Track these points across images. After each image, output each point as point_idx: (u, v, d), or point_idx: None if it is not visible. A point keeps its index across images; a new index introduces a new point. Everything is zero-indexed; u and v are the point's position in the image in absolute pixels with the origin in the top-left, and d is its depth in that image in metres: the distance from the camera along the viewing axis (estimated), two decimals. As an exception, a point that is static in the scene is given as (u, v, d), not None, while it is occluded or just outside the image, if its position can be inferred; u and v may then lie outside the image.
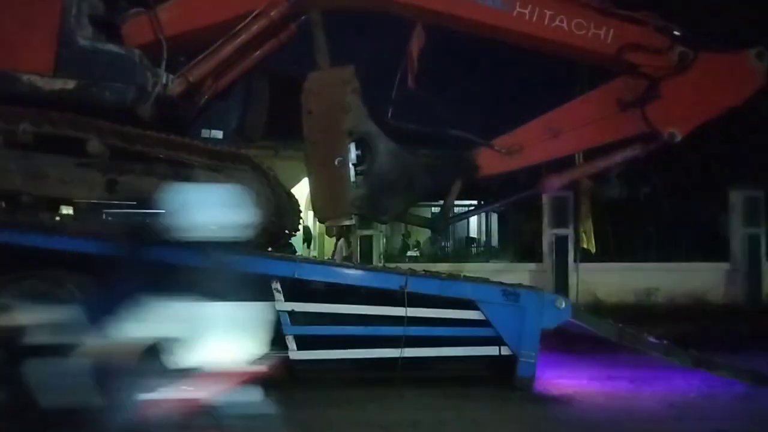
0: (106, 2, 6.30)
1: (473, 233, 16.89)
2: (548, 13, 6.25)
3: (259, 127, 7.44)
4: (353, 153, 6.24)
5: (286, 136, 7.35)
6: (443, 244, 15.21)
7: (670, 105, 6.28)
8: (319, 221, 6.69)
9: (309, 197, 7.07)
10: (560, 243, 12.52)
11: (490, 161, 6.63)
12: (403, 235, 16.26)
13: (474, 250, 16.04)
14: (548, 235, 12.70)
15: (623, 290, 12.15)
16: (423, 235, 15.47)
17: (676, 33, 6.30)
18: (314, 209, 6.39)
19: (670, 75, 6.25)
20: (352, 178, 6.24)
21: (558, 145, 6.57)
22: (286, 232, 6.78)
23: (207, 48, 6.23)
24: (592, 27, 6.26)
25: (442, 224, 7.35)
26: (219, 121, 6.86)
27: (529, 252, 13.77)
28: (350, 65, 6.27)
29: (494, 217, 16.08)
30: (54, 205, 6.24)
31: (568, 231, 12.61)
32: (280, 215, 6.23)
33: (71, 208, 6.22)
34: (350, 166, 6.21)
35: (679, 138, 6.34)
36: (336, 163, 6.12)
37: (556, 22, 6.25)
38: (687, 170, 13.50)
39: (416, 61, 6.61)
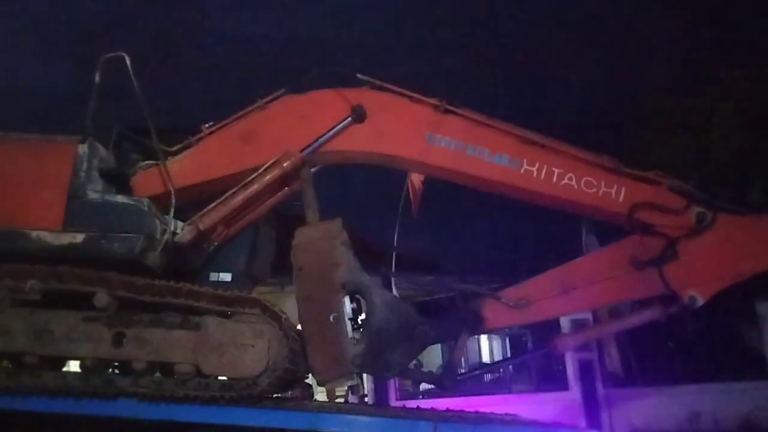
0: (117, 156, 6.71)
1: (486, 357, 16.76)
2: (557, 171, 6.54)
3: (266, 267, 7.69)
4: (348, 307, 6.31)
5: (290, 271, 7.58)
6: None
7: (689, 267, 6.40)
8: (319, 384, 6.68)
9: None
10: (585, 368, 12.34)
11: (497, 314, 6.74)
12: (415, 365, 15.95)
13: (488, 377, 15.84)
14: (572, 359, 12.41)
15: (662, 417, 11.81)
16: (434, 363, 15.36)
17: (692, 193, 6.52)
18: (312, 371, 6.35)
19: (688, 236, 6.40)
20: (350, 334, 6.25)
21: (569, 302, 6.68)
22: (300, 375, 6.85)
23: (217, 196, 6.52)
24: (603, 185, 6.52)
25: (451, 382, 7.10)
26: (227, 264, 7.05)
27: (546, 378, 13.61)
28: (338, 218, 6.44)
29: (507, 341, 15.99)
30: (59, 364, 6.33)
31: (593, 355, 12.41)
32: (293, 359, 6.29)
33: (77, 365, 6.29)
34: (346, 321, 6.23)
35: (701, 302, 6.42)
36: (331, 319, 6.14)
37: (565, 180, 6.53)
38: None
39: (419, 192, 7.00)
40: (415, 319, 6.53)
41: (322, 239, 6.33)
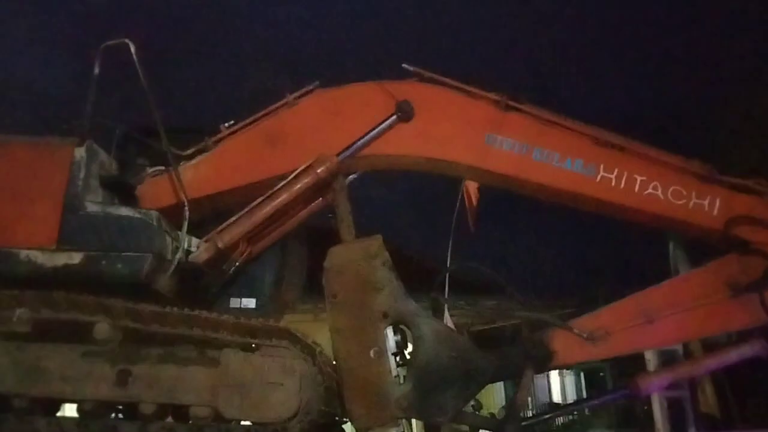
0: (120, 161, 6.54)
1: (556, 396, 16.45)
2: (639, 178, 6.36)
3: (296, 291, 7.53)
4: (391, 340, 6.07)
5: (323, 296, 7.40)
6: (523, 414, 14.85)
7: None
8: (358, 431, 6.37)
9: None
10: (675, 408, 11.65)
11: (569, 348, 6.49)
12: (473, 406, 15.81)
13: (560, 420, 15.52)
14: (659, 398, 11.84)
15: (763, 467, 11.43)
16: (494, 401, 15.02)
17: None
18: (350, 416, 6.11)
19: None
20: (394, 372, 6.02)
21: (653, 333, 6.41)
22: (337, 419, 6.60)
23: (239, 208, 6.32)
24: (694, 196, 6.33)
25: (515, 427, 6.73)
26: (251, 287, 6.92)
27: (628, 419, 13.18)
28: (377, 235, 6.21)
29: (581, 377, 15.75)
30: (53, 407, 6.16)
31: (684, 392, 11.51)
32: (329, 400, 6.05)
33: (75, 409, 6.10)
34: (389, 356, 6.00)
35: None
36: (372, 355, 5.93)
37: (649, 190, 6.36)
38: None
39: (476, 200, 6.71)
40: (471, 352, 6.29)
41: (359, 260, 6.13)
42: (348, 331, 6.03)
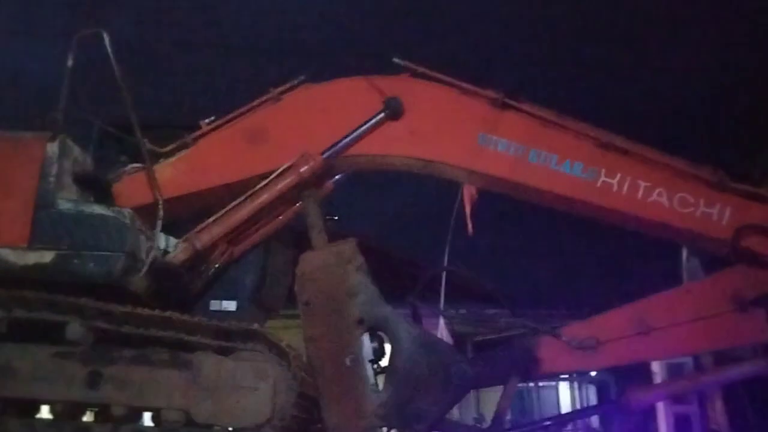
0: (99, 158, 6.74)
1: (566, 407, 16.30)
2: (642, 184, 6.28)
3: (280, 294, 7.56)
4: (368, 347, 6.07)
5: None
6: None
7: None
8: None
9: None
10: (682, 425, 11.79)
11: (556, 356, 6.41)
12: (475, 419, 15.72)
13: (556, 432, 15.47)
14: (665, 413, 12.00)
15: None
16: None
17: None
18: (326, 426, 6.13)
19: None
20: (371, 380, 6.03)
21: (648, 345, 6.31)
22: (314, 426, 6.67)
23: (219, 207, 6.41)
24: (702, 204, 6.24)
25: None
26: (232, 290, 6.98)
27: (640, 432, 13.12)
28: (351, 238, 6.23)
29: (592, 388, 15.63)
30: (24, 409, 6.27)
31: (692, 408, 11.74)
32: (304, 406, 6.18)
33: (47, 410, 6.23)
34: (366, 364, 6.01)
35: None
36: (347, 362, 5.95)
37: (654, 197, 6.27)
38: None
39: (474, 200, 6.67)
40: (451, 357, 6.29)
41: (332, 265, 6.12)
42: (322, 338, 6.06)
